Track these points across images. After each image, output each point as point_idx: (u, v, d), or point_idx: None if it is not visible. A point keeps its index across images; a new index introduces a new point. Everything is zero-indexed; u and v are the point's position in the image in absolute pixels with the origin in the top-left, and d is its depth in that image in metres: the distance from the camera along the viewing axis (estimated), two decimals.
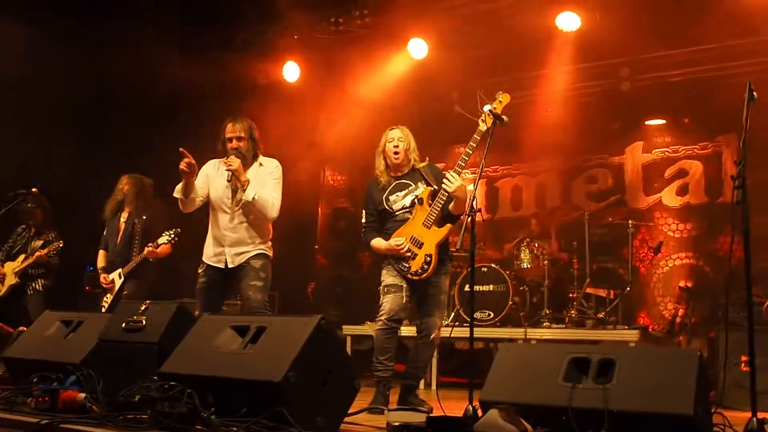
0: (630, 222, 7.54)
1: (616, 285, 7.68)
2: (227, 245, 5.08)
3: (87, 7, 7.79)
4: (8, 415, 3.58)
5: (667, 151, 8.66)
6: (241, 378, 3.41)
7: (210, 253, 5.16)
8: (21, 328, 5.24)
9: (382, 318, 4.83)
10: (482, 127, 4.59)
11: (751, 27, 7.01)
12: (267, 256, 5.16)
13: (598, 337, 6.91)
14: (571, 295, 7.60)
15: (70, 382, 3.82)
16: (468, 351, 4.98)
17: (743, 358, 5.75)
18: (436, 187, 4.84)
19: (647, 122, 8.54)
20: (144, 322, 4.06)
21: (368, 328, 7.63)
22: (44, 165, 8.16)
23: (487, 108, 4.52)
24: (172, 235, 6.06)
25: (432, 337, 4.90)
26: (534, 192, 9.36)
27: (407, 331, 6.06)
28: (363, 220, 5.15)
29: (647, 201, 8.72)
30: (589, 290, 7.60)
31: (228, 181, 5.03)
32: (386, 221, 5.01)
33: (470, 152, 4.69)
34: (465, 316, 6.73)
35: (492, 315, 7.28)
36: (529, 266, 7.59)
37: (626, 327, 6.97)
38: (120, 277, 6.32)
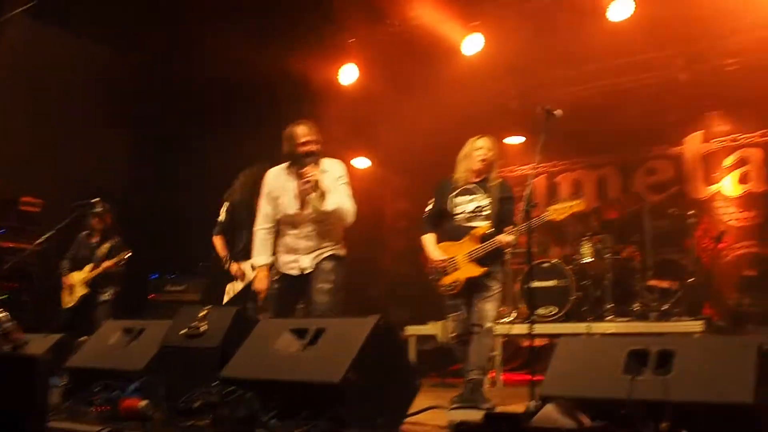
0: (691, 212, 7.37)
1: (680, 276, 7.51)
2: (301, 253, 4.97)
3: (137, 8, 7.86)
4: (71, 425, 3.66)
5: (727, 140, 8.45)
6: (300, 380, 3.46)
7: (284, 261, 5.04)
8: (83, 338, 5.36)
9: (453, 335, 5.28)
10: (549, 216, 4.95)
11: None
12: (339, 257, 5.04)
13: (662, 329, 6.76)
14: (634, 288, 7.46)
15: (132, 390, 3.90)
16: (531, 348, 5.09)
17: None
18: (488, 231, 5.02)
19: (705, 112, 8.33)
20: (204, 327, 4.14)
21: (432, 328, 7.64)
22: (101, 171, 8.27)
23: (571, 203, 4.96)
24: None
25: (486, 327, 5.04)
26: (594, 185, 9.23)
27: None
28: (426, 209, 5.41)
29: (708, 191, 8.52)
30: (652, 282, 7.46)
31: (301, 189, 4.87)
32: (445, 220, 5.22)
33: (532, 225, 4.85)
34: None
35: (555, 310, 7.20)
36: (591, 260, 7.47)
37: (691, 318, 6.80)
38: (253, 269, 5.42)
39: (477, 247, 5.03)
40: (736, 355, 3.01)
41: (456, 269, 5.11)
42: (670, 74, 8.03)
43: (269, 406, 3.37)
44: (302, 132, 4.89)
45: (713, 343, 3.56)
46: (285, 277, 5.04)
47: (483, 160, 5.14)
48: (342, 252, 5.11)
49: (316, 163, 4.85)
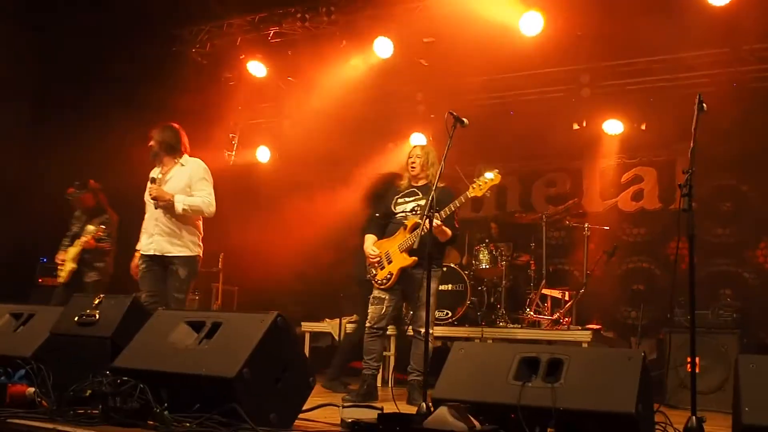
0: (586, 225, 7.69)
1: (572, 287, 7.82)
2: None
3: None
4: None
5: (624, 158, 8.83)
6: (194, 374, 3.41)
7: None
8: None
9: (368, 325, 5.54)
10: (471, 193, 5.22)
11: (703, 39, 7.18)
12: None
13: (552, 337, 7.03)
14: (527, 295, 7.71)
15: (20, 377, 3.77)
16: (413, 346, 5.35)
17: (689, 360, 5.90)
18: (419, 221, 5.10)
19: (606, 129, 8.65)
20: (97, 316, 4.03)
21: (326, 326, 7.67)
22: None
23: (489, 175, 5.21)
24: None
25: (420, 331, 5.26)
26: (494, 194, 9.44)
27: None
28: (375, 214, 5.78)
29: (603, 205, 8.88)
30: (545, 291, 7.72)
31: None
32: (389, 221, 5.62)
33: (458, 205, 5.31)
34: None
35: (449, 314, 7.36)
36: (487, 267, 7.66)
37: (580, 328, 7.08)
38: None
39: (406, 238, 5.37)
40: (622, 367, 3.17)
41: (390, 261, 5.45)
42: (574, 89, 8.29)
43: (162, 398, 3.30)
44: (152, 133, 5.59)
45: (601, 353, 3.74)
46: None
47: (413, 167, 5.56)
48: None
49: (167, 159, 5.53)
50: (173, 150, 5.54)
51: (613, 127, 8.50)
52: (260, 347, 3.39)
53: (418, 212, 5.39)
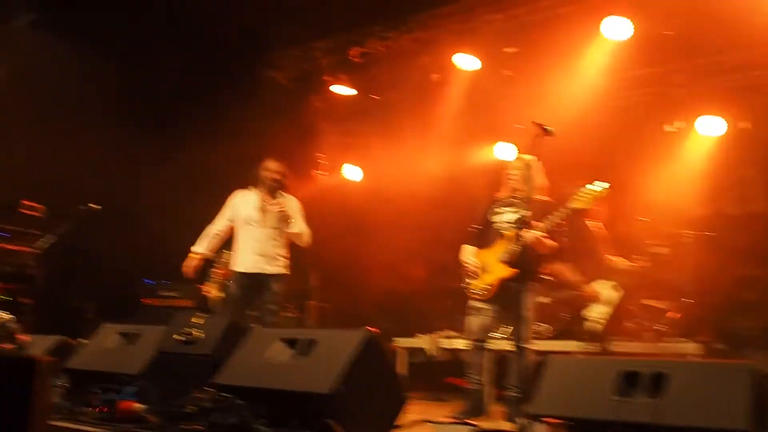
0: (689, 231, 7.37)
1: (676, 296, 7.50)
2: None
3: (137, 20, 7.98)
4: (69, 425, 3.72)
5: (726, 158, 8.40)
6: (290, 389, 3.48)
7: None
8: (80, 339, 5.40)
9: (467, 339, 5.36)
10: (574, 204, 4.98)
11: None
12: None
13: (657, 350, 6.74)
14: (628, 307, 7.45)
15: (129, 393, 3.93)
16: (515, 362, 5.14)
17: None
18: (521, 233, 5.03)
19: (702, 128, 8.28)
20: (199, 335, 4.16)
21: (421, 341, 7.65)
22: (100, 176, 8.31)
23: (594, 187, 4.93)
24: None
25: (524, 347, 5.10)
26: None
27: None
28: (474, 226, 5.55)
29: (706, 210, 8.50)
30: (647, 302, 7.44)
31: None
32: (487, 231, 5.42)
33: (559, 217, 5.02)
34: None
35: (549, 328, 7.19)
36: None
37: (686, 340, 6.79)
38: None
39: (506, 248, 5.13)
40: (731, 380, 3.00)
41: (487, 273, 5.25)
42: (666, 90, 8.01)
43: (260, 413, 3.38)
44: (275, 166, 5.97)
45: (707, 367, 3.55)
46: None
47: (510, 179, 5.37)
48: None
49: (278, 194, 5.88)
50: (285, 185, 5.96)
51: (711, 126, 8.16)
52: (354, 363, 3.43)
53: (518, 224, 5.17)
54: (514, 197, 5.39)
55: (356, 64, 8.67)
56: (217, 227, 5.93)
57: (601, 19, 7.24)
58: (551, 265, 6.17)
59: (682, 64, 7.77)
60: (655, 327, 7.19)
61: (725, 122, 8.01)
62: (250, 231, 5.83)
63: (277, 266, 5.82)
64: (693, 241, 7.59)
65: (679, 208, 8.32)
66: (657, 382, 3.13)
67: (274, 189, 5.89)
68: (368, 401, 3.46)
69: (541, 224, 4.98)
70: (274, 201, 5.81)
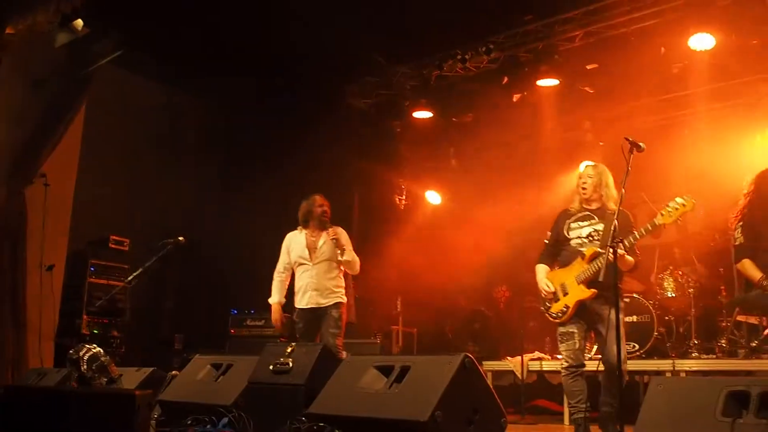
0: None
1: None
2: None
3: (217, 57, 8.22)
4: None
5: None
6: (387, 417, 3.46)
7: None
8: (173, 372, 5.52)
9: (564, 365, 5.07)
10: (659, 220, 4.70)
11: None
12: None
13: (752, 367, 6.49)
14: (720, 323, 7.21)
15: (223, 424, 3.99)
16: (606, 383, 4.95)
17: None
18: (599, 250, 4.85)
19: None
20: (291, 364, 4.20)
21: (508, 364, 7.55)
22: (185, 211, 8.55)
23: (682, 201, 4.69)
24: None
25: (611, 364, 4.83)
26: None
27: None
28: (545, 241, 5.35)
29: None
30: (739, 318, 7.17)
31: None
32: (561, 247, 5.17)
33: (643, 233, 4.76)
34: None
35: (637, 347, 7.02)
36: (673, 295, 7.28)
37: None
38: None
39: (585, 268, 4.89)
40: None
41: (566, 294, 5.02)
42: (754, 100, 7.79)
43: None
44: (322, 200, 6.12)
45: None
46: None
47: (584, 188, 5.09)
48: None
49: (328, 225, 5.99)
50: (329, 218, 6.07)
51: None
52: (450, 389, 3.39)
53: (596, 238, 4.98)
54: (589, 209, 5.13)
55: (435, 87, 8.71)
56: (281, 274, 6.13)
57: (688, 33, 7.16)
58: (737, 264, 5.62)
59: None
60: (750, 344, 6.94)
61: None
62: (303, 270, 6.00)
63: (333, 298, 5.94)
64: None
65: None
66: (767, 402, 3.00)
67: (324, 223, 6.01)
68: (467, 428, 3.41)
69: (624, 242, 4.69)
70: (328, 229, 5.91)
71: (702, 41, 7.18)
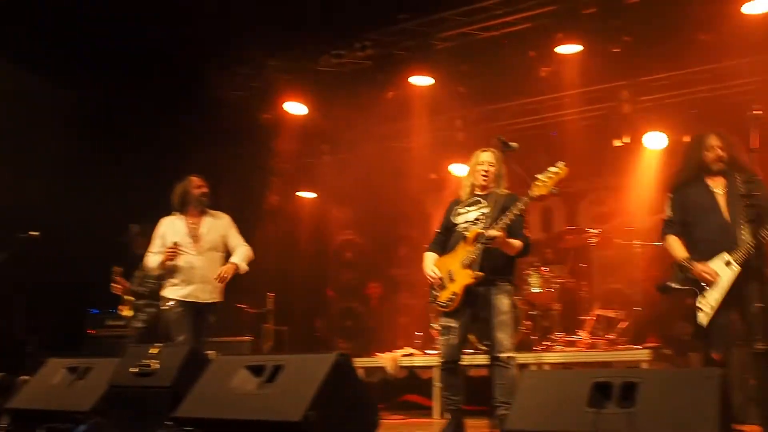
0: (636, 242, 7.52)
1: (626, 306, 7.62)
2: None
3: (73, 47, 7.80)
4: None
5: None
6: (258, 419, 3.35)
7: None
8: (24, 377, 5.16)
9: (441, 360, 4.94)
10: (536, 191, 4.64)
11: (744, 47, 7.06)
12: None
13: (610, 358, 6.83)
14: (581, 317, 7.54)
15: None
16: (481, 378, 4.96)
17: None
18: (482, 231, 4.70)
19: (648, 143, 8.51)
20: (156, 366, 3.99)
21: (381, 360, 7.58)
22: (40, 206, 8.04)
23: (552, 169, 4.67)
24: None
25: (504, 357, 4.71)
26: (540, 216, 9.33)
27: None
28: (436, 230, 5.21)
29: (651, 220, 8.67)
30: (599, 312, 7.55)
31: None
32: (450, 234, 5.03)
33: (522, 207, 4.70)
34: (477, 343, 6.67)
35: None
36: (539, 290, 7.53)
37: (638, 347, 6.89)
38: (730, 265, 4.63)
39: (469, 251, 4.71)
40: (699, 387, 3.02)
41: (452, 281, 4.83)
42: (614, 106, 8.19)
43: None
44: (200, 181, 5.78)
45: (675, 375, 3.58)
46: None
47: (484, 176, 4.96)
48: None
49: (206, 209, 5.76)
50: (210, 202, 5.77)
51: (656, 141, 8.36)
52: (324, 388, 3.32)
53: (482, 221, 4.76)
54: (479, 195, 4.99)
55: (309, 82, 8.59)
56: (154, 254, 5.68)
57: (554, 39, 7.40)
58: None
59: (628, 80, 7.95)
60: (608, 336, 7.30)
61: (666, 137, 8.24)
62: (184, 260, 5.57)
63: (215, 296, 5.66)
64: (641, 251, 7.75)
65: (629, 219, 8.49)
66: (629, 392, 3.12)
67: (203, 207, 5.70)
68: (341, 427, 3.36)
69: (500, 222, 4.63)
70: (219, 275, 5.59)
71: (569, 48, 7.50)
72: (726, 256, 4.57)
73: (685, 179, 4.91)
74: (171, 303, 5.58)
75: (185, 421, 3.46)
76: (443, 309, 4.88)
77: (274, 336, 8.34)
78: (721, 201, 4.72)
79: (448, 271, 4.88)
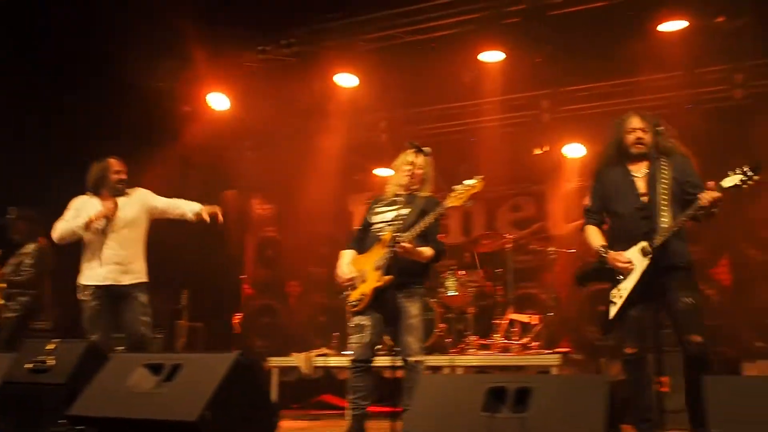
0: (552, 248, 7.69)
1: (540, 310, 7.79)
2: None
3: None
4: None
5: (586, 180, 8.86)
6: (154, 418, 3.31)
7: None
8: None
9: (351, 359, 4.81)
10: (450, 203, 4.61)
11: (658, 64, 7.30)
12: None
13: (521, 362, 6.96)
14: (495, 321, 7.67)
15: None
16: (394, 380, 4.95)
17: (659, 379, 5.87)
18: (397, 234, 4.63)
19: (567, 153, 8.73)
20: (51, 362, 3.89)
21: (295, 360, 7.54)
22: None
23: (469, 182, 4.58)
24: None
25: (411, 361, 4.66)
26: (459, 220, 9.44)
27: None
28: (356, 228, 5.17)
29: (568, 228, 8.90)
30: (513, 316, 7.67)
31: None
32: (367, 234, 4.97)
33: (432, 219, 4.63)
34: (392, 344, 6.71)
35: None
36: (455, 293, 7.62)
37: (549, 351, 7.05)
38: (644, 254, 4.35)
39: (382, 254, 4.61)
40: (588, 393, 3.13)
41: (363, 281, 4.79)
42: (535, 114, 8.37)
43: None
44: (119, 164, 5.53)
45: (566, 380, 3.69)
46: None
47: (409, 175, 4.84)
48: None
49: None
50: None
51: (575, 150, 8.59)
52: (222, 388, 3.30)
53: (397, 223, 4.67)
54: (400, 195, 4.89)
55: (234, 77, 8.48)
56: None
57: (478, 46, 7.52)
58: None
59: (549, 90, 8.13)
60: (521, 340, 7.44)
61: (585, 147, 8.47)
62: (98, 240, 5.29)
63: (136, 276, 5.36)
64: (556, 257, 7.94)
65: (546, 226, 8.70)
66: (522, 397, 3.20)
67: (120, 191, 5.44)
68: (238, 427, 3.34)
69: (408, 232, 4.57)
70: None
71: (492, 55, 7.64)
72: (643, 244, 4.28)
73: (605, 163, 4.63)
74: (87, 294, 5.28)
75: (79, 420, 3.40)
76: (352, 309, 4.85)
77: (187, 333, 8.22)
78: (640, 184, 4.43)
79: (360, 271, 4.86)
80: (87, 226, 5.26)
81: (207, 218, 5.54)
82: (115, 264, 5.28)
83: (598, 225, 4.64)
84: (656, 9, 7.02)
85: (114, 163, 5.48)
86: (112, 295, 5.28)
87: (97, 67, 7.77)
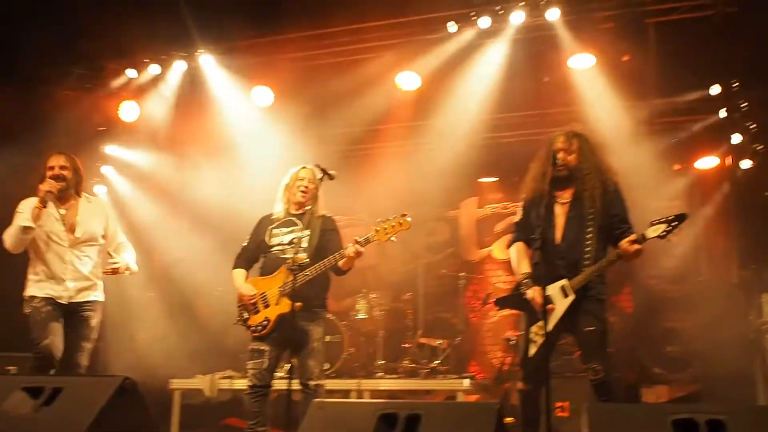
0: (462, 274, 7.78)
1: (449, 335, 7.84)
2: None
3: None
4: None
5: (499, 207, 9.06)
6: None
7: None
8: None
9: (249, 384, 4.79)
10: (374, 237, 4.69)
11: (568, 98, 7.52)
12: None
13: (429, 386, 7.00)
14: (405, 345, 7.68)
15: None
16: (303, 403, 4.86)
17: (558, 404, 6.00)
18: (307, 259, 4.66)
19: (481, 179, 8.88)
20: None
21: (199, 382, 7.38)
22: None
23: (398, 219, 4.67)
24: None
25: (311, 384, 4.73)
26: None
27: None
28: (243, 244, 5.12)
29: (479, 254, 9.04)
30: (422, 340, 7.72)
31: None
32: (263, 254, 4.96)
33: (355, 248, 4.68)
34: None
35: (328, 366, 7.22)
36: (365, 317, 7.61)
37: (457, 376, 7.10)
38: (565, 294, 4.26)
39: (290, 281, 4.52)
40: (478, 420, 3.15)
41: (266, 306, 4.78)
42: (450, 142, 8.46)
43: None
44: (62, 160, 5.00)
45: (456, 407, 3.72)
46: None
47: (304, 192, 4.92)
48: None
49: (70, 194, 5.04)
50: (81, 185, 5.08)
51: (488, 178, 8.77)
52: (103, 414, 3.17)
53: (300, 246, 4.67)
54: (294, 214, 4.95)
55: (148, 88, 8.36)
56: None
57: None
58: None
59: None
60: (430, 365, 7.47)
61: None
62: (55, 251, 4.89)
63: (92, 293, 4.99)
64: (466, 282, 8.04)
65: (458, 251, 8.78)
66: (413, 424, 3.20)
67: (63, 191, 4.93)
68: None
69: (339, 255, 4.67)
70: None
71: (409, 80, 7.73)
72: (563, 282, 4.21)
73: (532, 189, 4.48)
74: (37, 303, 4.84)
75: None
76: (254, 333, 4.83)
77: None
78: (560, 222, 4.33)
79: (262, 294, 4.83)
80: (36, 212, 4.79)
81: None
82: (72, 279, 4.91)
83: (528, 242, 4.41)
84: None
85: (56, 159, 4.98)
86: (63, 308, 4.90)
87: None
